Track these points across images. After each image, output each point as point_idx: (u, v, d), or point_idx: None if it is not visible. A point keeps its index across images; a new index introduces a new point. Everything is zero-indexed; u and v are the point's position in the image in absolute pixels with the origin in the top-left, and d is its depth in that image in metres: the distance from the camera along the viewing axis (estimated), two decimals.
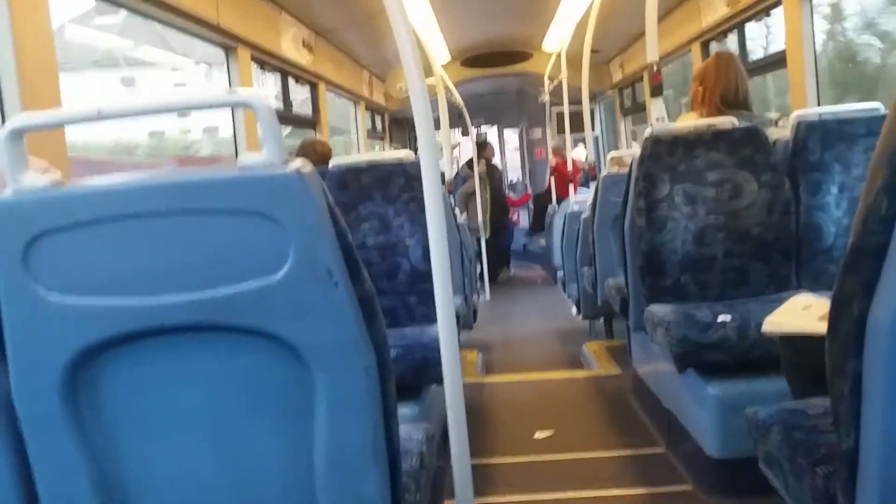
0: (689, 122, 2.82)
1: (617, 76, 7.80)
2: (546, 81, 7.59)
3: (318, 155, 3.41)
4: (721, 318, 2.24)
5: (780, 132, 2.82)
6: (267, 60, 4.34)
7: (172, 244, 1.10)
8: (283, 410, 1.16)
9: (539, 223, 8.66)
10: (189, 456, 1.19)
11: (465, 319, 3.88)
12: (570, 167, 6.57)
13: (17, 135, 1.11)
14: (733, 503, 2.14)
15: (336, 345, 1.12)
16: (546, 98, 7.96)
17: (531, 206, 9.49)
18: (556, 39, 6.85)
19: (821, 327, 1.21)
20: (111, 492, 1.20)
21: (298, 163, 1.10)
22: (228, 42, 3.74)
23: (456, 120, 8.23)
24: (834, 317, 1.17)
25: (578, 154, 7.77)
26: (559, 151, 8.31)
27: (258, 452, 1.18)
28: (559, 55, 6.38)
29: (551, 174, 8.08)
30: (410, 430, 1.52)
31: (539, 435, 2.93)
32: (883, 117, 2.64)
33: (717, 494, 2.21)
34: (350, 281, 1.12)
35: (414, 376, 2.29)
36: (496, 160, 9.84)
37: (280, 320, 1.11)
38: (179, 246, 1.10)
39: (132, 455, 1.19)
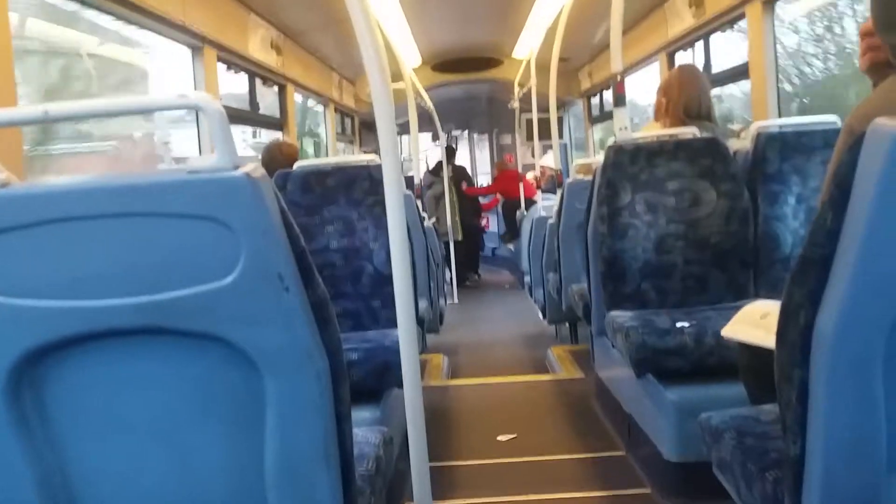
0: (652, 131, 2.86)
1: (585, 84, 7.89)
2: (516, 88, 7.64)
3: (284, 157, 3.39)
4: (679, 325, 2.28)
5: (742, 143, 2.87)
6: (234, 61, 4.30)
7: (120, 247, 1.09)
8: (233, 415, 1.15)
9: (512, 230, 8.70)
10: (137, 461, 1.17)
11: (431, 323, 3.89)
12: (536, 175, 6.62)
13: None
14: None
15: (287, 350, 1.11)
16: (516, 105, 8.01)
17: (500, 210, 9.52)
18: (526, 47, 6.91)
19: (773, 340, 1.23)
20: (57, 496, 1.17)
21: (249, 166, 1.09)
22: (194, 42, 3.71)
23: (426, 125, 8.24)
24: (782, 326, 1.19)
25: (547, 161, 7.83)
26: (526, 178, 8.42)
27: (207, 458, 1.17)
28: (529, 62, 6.43)
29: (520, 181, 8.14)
30: (368, 434, 1.51)
31: (502, 438, 2.95)
32: (839, 130, 2.71)
33: (674, 497, 2.24)
34: (302, 286, 1.12)
35: (375, 379, 2.28)
36: (465, 164, 9.90)
37: (230, 325, 1.10)
38: (127, 249, 1.09)
39: (79, 459, 1.17)
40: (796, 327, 1.14)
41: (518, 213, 7.71)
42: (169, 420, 1.17)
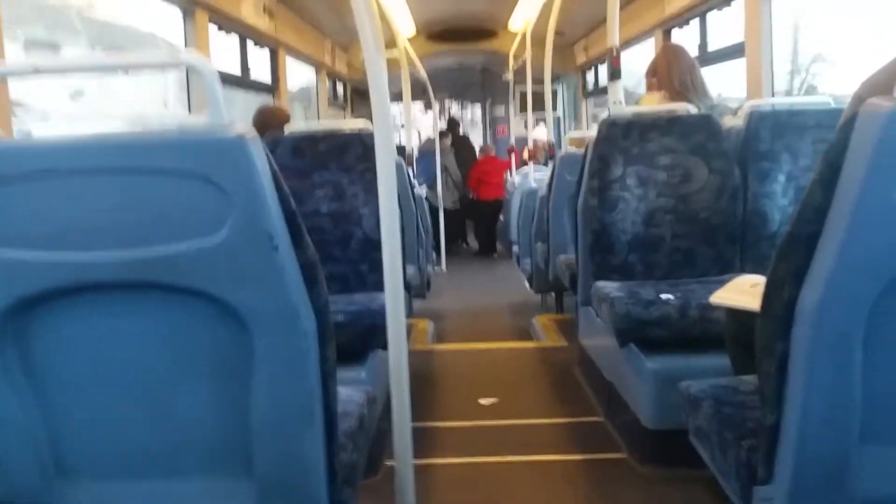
0: (653, 105, 2.85)
1: (581, 58, 7.84)
2: (511, 60, 7.58)
3: (277, 121, 3.36)
4: (664, 297, 2.30)
5: (734, 121, 2.88)
6: (225, 24, 4.25)
7: (109, 201, 1.09)
8: (219, 371, 1.17)
9: (490, 243, 8.36)
10: (122, 414, 1.19)
11: (418, 289, 3.90)
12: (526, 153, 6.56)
13: None
14: (665, 472, 2.22)
15: (276, 309, 1.12)
16: (510, 77, 7.95)
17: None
18: (521, 19, 6.84)
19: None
20: (41, 447, 1.19)
21: (241, 127, 1.09)
22: (186, 4, 3.66)
23: (419, 94, 8.18)
24: (766, 299, 1.22)
25: (540, 134, 7.80)
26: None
27: (192, 413, 1.18)
28: (524, 35, 6.38)
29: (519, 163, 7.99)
30: (352, 393, 1.53)
31: (484, 401, 2.99)
32: (831, 111, 2.72)
33: (650, 464, 2.28)
34: (292, 246, 1.12)
35: (361, 341, 2.30)
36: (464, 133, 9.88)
37: (218, 282, 1.11)
38: (116, 203, 1.09)
39: (64, 411, 1.19)
40: (780, 301, 1.16)
41: (508, 182, 7.61)
42: (155, 375, 1.18)
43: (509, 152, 8.32)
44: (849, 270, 1.08)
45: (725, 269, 2.63)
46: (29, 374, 1.17)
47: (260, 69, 5.14)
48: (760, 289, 1.27)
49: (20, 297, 1.12)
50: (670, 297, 2.30)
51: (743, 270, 2.61)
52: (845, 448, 1.14)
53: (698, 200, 2.65)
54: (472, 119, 12.07)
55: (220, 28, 4.23)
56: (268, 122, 3.28)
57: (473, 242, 8.95)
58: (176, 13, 3.69)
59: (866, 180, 1.03)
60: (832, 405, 1.14)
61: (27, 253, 1.10)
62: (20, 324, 1.14)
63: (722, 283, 1.84)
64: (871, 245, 1.07)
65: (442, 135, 8.31)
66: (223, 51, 4.52)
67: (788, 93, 5.52)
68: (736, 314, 1.75)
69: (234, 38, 4.61)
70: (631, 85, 5.86)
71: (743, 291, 1.69)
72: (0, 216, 1.10)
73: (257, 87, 5.09)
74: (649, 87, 3.01)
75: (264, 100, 5.11)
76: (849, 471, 1.15)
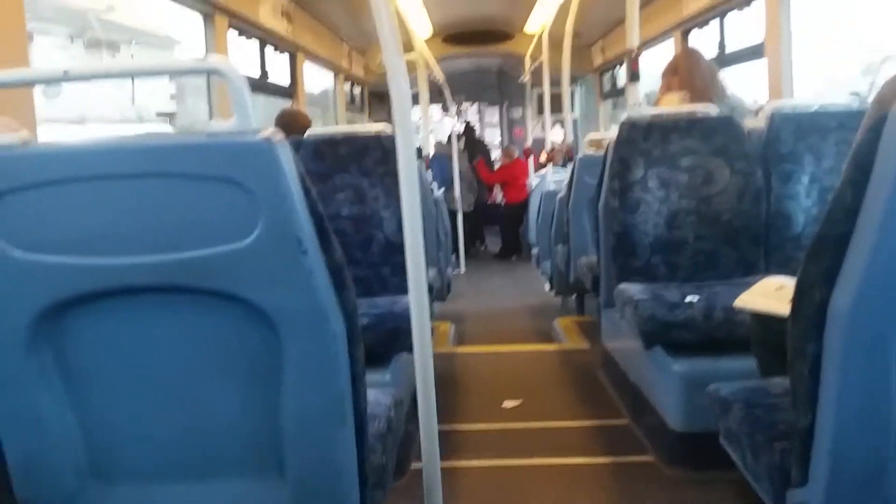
0: (674, 106, 2.83)
1: (598, 60, 7.82)
2: (527, 62, 7.58)
3: (298, 125, 3.38)
4: (688, 299, 2.29)
5: (756, 122, 2.86)
6: (245, 28, 4.29)
7: (139, 206, 1.10)
8: (250, 374, 1.17)
9: (510, 245, 8.28)
10: (155, 416, 1.20)
11: (439, 291, 3.91)
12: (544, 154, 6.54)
13: None
14: (693, 476, 2.20)
15: (305, 311, 1.13)
16: (527, 79, 7.95)
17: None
18: (538, 21, 6.84)
19: (787, 309, 1.25)
20: (76, 448, 1.20)
21: (269, 131, 1.09)
22: (206, 8, 3.69)
23: (436, 97, 8.20)
24: (797, 302, 1.21)
25: (556, 135, 7.79)
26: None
27: (224, 414, 1.19)
28: (541, 37, 6.37)
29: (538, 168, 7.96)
30: (379, 396, 1.54)
31: (507, 404, 2.99)
32: (854, 112, 2.69)
33: (678, 466, 2.27)
34: (320, 250, 1.13)
35: (385, 344, 2.31)
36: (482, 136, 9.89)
37: (248, 285, 1.11)
38: (146, 208, 1.10)
39: (98, 413, 1.20)
40: (811, 303, 1.15)
41: (527, 182, 7.55)
42: (186, 377, 1.19)
43: (526, 154, 8.32)
44: (882, 271, 1.06)
45: (749, 270, 2.61)
46: (64, 376, 1.18)
47: (278, 73, 5.17)
48: (786, 292, 1.26)
49: (54, 300, 1.13)
50: (694, 298, 2.29)
51: (767, 272, 2.59)
52: (882, 450, 1.13)
53: (720, 202, 2.63)
54: (488, 121, 12.08)
55: (240, 33, 4.26)
56: (290, 126, 3.29)
57: (491, 245, 8.93)
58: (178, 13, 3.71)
59: None
60: (867, 407, 1.12)
61: (58, 258, 1.11)
62: (55, 327, 1.15)
63: (747, 285, 1.82)
64: None
65: (458, 138, 8.33)
66: (243, 55, 4.56)
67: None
68: (761, 317, 1.73)
69: (252, 43, 4.65)
70: (650, 86, 5.85)
71: (768, 295, 1.68)
72: (33, 221, 1.11)
73: (276, 90, 5.12)
74: (669, 87, 2.99)
75: (283, 104, 5.14)
76: (886, 473, 1.14)
